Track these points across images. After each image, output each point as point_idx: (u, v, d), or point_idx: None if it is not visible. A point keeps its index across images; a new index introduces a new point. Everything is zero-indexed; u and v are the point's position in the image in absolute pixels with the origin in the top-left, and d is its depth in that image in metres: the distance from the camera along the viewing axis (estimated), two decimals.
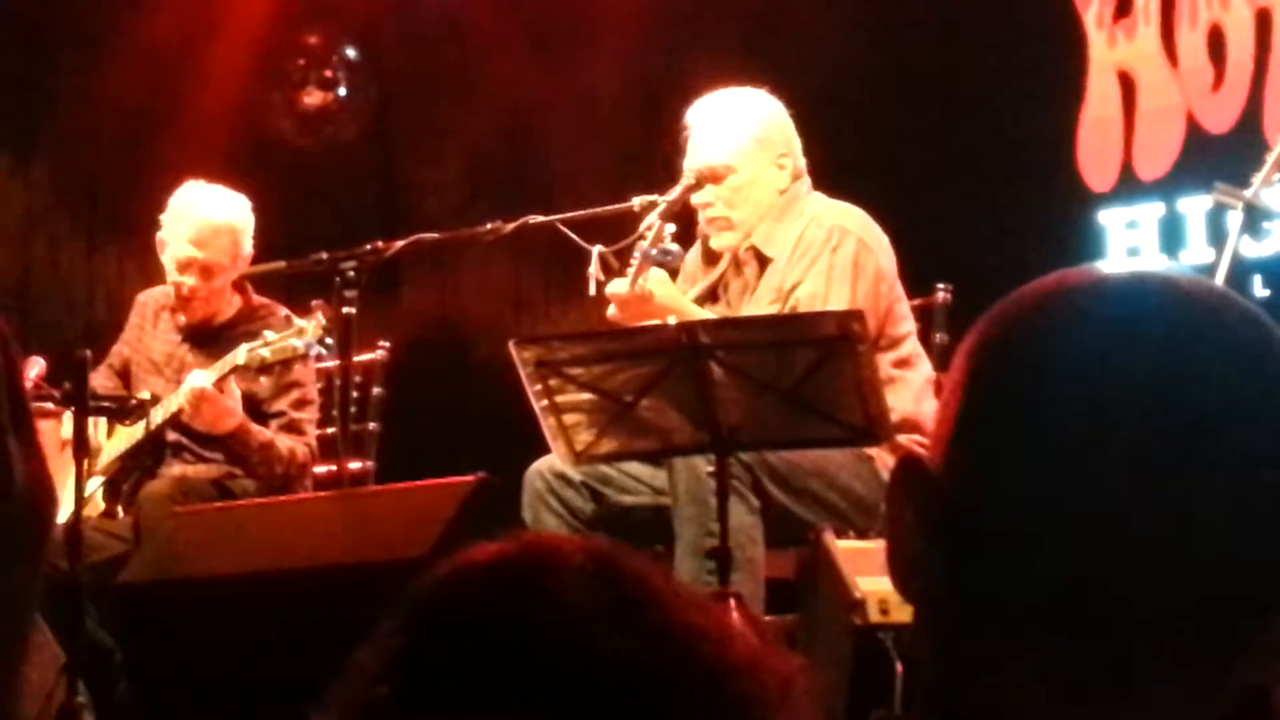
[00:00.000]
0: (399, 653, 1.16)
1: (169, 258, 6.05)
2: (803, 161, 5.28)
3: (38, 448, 1.11)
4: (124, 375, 6.18)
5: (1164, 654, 1.09)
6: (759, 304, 5.12)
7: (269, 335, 5.69)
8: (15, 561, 1.09)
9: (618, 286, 5.05)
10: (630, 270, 5.07)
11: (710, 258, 5.29)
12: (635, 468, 5.06)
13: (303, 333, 5.61)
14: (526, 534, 1.23)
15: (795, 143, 5.29)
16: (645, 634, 1.14)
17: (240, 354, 5.70)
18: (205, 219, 5.99)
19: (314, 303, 5.60)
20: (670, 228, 5.17)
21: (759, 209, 5.19)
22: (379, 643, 1.17)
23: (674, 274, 5.22)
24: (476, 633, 1.15)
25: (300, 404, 6.00)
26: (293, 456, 5.92)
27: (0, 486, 1.07)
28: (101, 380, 6.05)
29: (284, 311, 6.03)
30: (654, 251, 5.08)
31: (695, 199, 5.21)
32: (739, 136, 5.22)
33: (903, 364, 5.10)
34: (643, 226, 5.11)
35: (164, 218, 6.08)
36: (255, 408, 5.92)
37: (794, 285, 5.07)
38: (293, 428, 5.97)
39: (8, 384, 1.09)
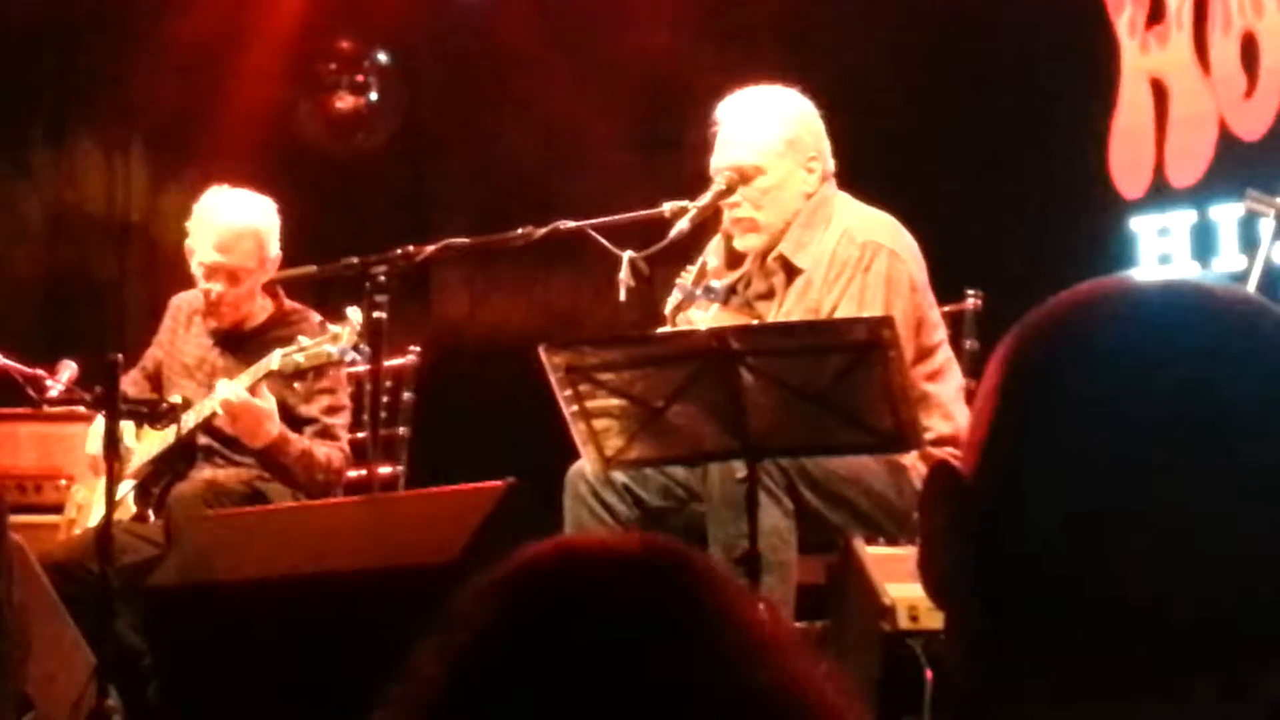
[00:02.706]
0: (460, 656, 1.17)
1: (196, 264, 6.06)
2: (832, 164, 5.23)
3: None
4: (156, 378, 6.19)
5: (1197, 663, 1.09)
6: (789, 319, 5.09)
7: (303, 341, 5.69)
8: None
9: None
10: (670, 302, 5.06)
11: (733, 257, 5.26)
12: (675, 472, 5.04)
13: (337, 338, 5.61)
14: (590, 538, 1.23)
15: (825, 144, 5.23)
16: (702, 659, 1.15)
17: (275, 359, 5.70)
18: (228, 224, 6.01)
19: (348, 308, 5.60)
20: (714, 262, 5.15)
21: (786, 212, 5.15)
22: (439, 644, 1.18)
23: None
24: (535, 644, 1.16)
25: (333, 410, 6.00)
26: (329, 463, 5.92)
27: None
28: (133, 383, 6.06)
29: (318, 317, 6.03)
30: (698, 291, 5.06)
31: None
32: (770, 137, 5.17)
33: (934, 375, 5.07)
34: (674, 232, 5.09)
35: (189, 225, 6.10)
36: (288, 413, 5.92)
37: (831, 309, 5.02)
38: (326, 434, 5.98)
39: None
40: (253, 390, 5.76)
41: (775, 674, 1.16)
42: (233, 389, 5.75)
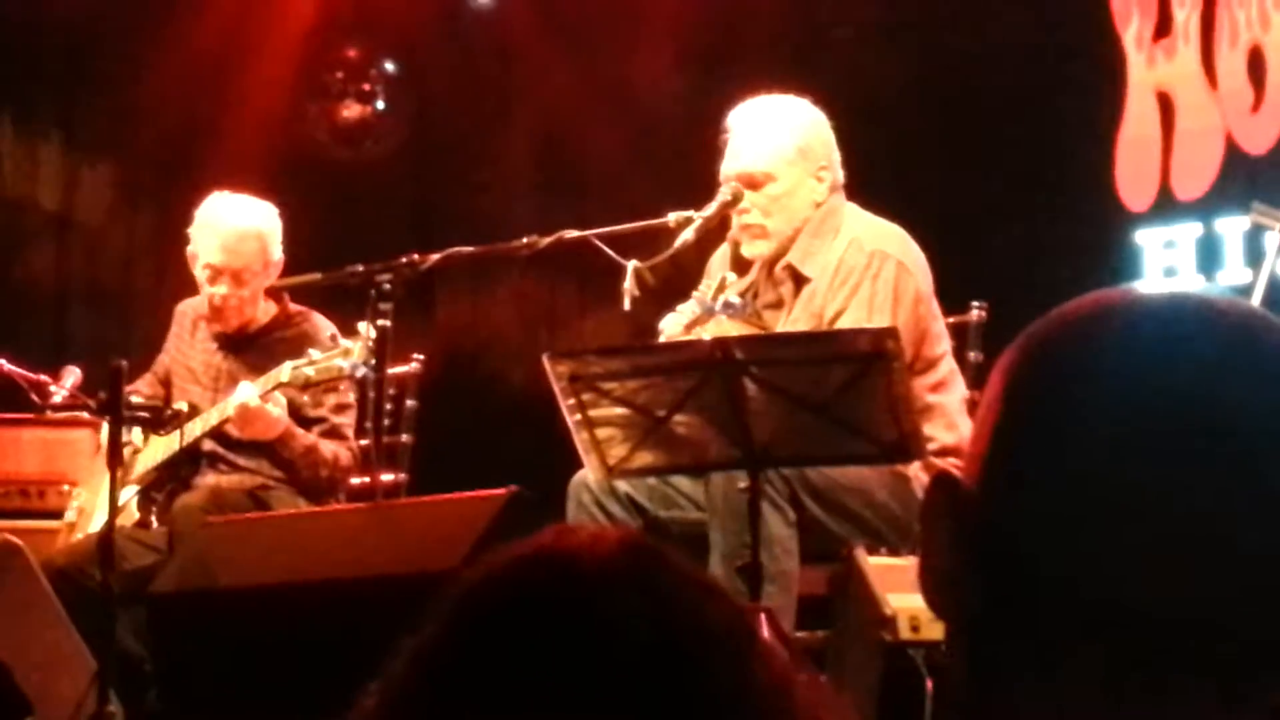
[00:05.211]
0: (432, 653, 1.17)
1: (200, 269, 6.08)
2: (841, 175, 5.25)
3: None
4: (167, 384, 6.22)
5: (1196, 668, 1.09)
6: (795, 327, 5.09)
7: (314, 354, 5.69)
8: None
9: (672, 325, 5.01)
10: (686, 313, 5.04)
11: (739, 266, 5.26)
12: (678, 482, 5.04)
13: (348, 354, 5.62)
14: (566, 537, 1.22)
15: (835, 155, 5.24)
16: (676, 664, 1.15)
17: (285, 371, 5.71)
18: (232, 227, 6.04)
19: (359, 324, 5.59)
20: (732, 277, 5.15)
21: (795, 221, 5.17)
22: (414, 643, 1.18)
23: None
24: (500, 644, 1.16)
25: (340, 409, 6.04)
26: (336, 460, 5.95)
27: None
28: (146, 388, 6.09)
29: (321, 320, 6.06)
30: (716, 305, 5.05)
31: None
32: (781, 145, 5.18)
33: (938, 387, 5.07)
34: (679, 242, 5.09)
35: (191, 231, 6.12)
36: (296, 414, 5.95)
37: (836, 314, 5.03)
38: (335, 433, 6.01)
39: None
40: (263, 399, 5.79)
41: (751, 672, 1.16)
42: (251, 393, 5.77)
